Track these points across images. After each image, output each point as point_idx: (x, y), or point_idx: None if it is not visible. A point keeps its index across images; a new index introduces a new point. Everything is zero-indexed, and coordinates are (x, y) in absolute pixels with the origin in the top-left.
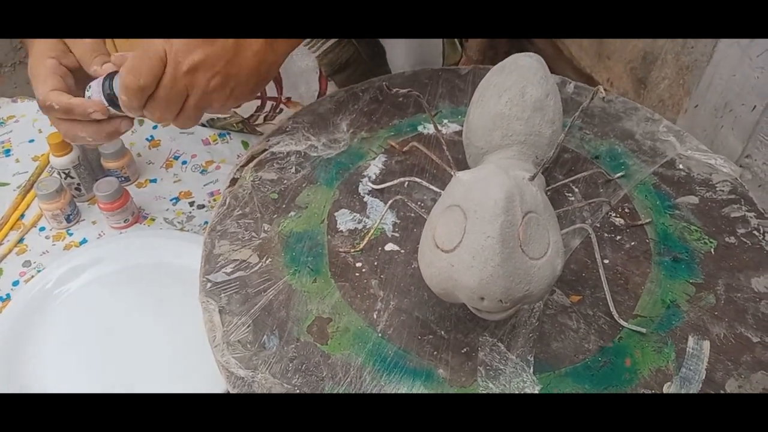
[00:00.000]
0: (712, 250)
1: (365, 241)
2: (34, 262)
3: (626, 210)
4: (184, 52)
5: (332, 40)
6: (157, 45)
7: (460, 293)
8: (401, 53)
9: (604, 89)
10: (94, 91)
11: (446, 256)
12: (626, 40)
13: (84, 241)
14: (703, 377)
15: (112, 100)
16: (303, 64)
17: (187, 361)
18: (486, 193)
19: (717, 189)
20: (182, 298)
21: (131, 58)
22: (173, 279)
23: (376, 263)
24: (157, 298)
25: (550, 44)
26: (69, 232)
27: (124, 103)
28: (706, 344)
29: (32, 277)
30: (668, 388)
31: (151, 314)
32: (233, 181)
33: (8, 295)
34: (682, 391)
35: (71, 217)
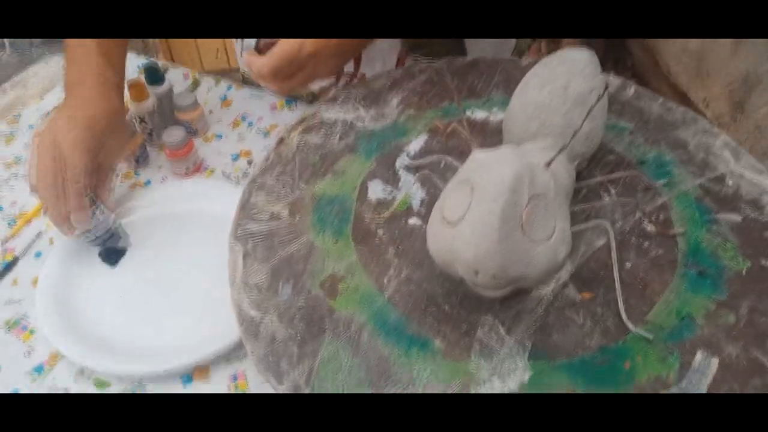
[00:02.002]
0: (744, 270)
1: (389, 211)
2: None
3: (661, 218)
4: (312, 41)
5: None
6: (292, 41)
7: (458, 265)
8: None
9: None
10: (246, 42)
11: (449, 229)
12: (728, 59)
13: (148, 183)
14: (703, 392)
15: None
16: (385, 42)
17: (214, 302)
18: (495, 171)
19: (765, 210)
20: (219, 245)
21: (274, 52)
22: (216, 226)
23: (396, 233)
24: (198, 241)
25: (648, 57)
26: (137, 173)
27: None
28: (715, 361)
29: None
30: None
31: (190, 256)
32: (280, 141)
33: None
34: None
35: (141, 159)
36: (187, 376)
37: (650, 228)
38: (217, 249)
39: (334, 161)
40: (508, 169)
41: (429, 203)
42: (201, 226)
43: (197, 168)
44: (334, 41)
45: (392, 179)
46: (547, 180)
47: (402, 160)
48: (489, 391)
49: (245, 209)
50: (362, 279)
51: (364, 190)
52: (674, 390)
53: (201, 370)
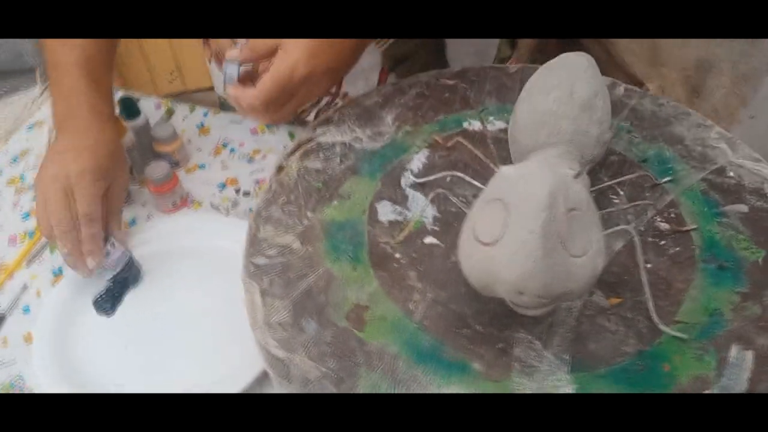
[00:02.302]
0: (760, 260)
1: (405, 233)
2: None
3: (672, 215)
4: (304, 63)
5: None
6: (283, 66)
7: (498, 287)
8: (460, 46)
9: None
10: (228, 74)
11: (486, 250)
12: (681, 46)
13: (133, 222)
14: (745, 388)
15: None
16: (366, 60)
17: (225, 340)
18: (530, 188)
19: None
20: (224, 281)
21: (265, 82)
22: (217, 262)
23: (415, 255)
24: (200, 278)
25: (602, 50)
26: None
27: (246, 109)
28: (750, 354)
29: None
30: None
31: (195, 294)
32: (280, 169)
33: (60, 269)
34: None
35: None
36: None
37: (664, 226)
38: (223, 284)
39: (338, 185)
40: (542, 184)
41: (442, 221)
42: (202, 262)
43: (184, 201)
44: (324, 60)
45: (400, 199)
46: (579, 191)
47: (407, 179)
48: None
49: (254, 244)
50: (388, 306)
51: (373, 212)
52: (716, 388)
53: None
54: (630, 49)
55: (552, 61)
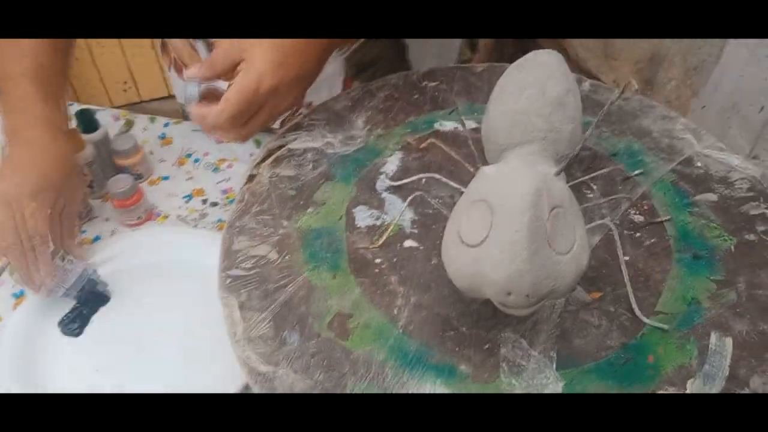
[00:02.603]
0: (732, 247)
1: (384, 238)
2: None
3: (645, 207)
4: (270, 75)
5: (360, 41)
6: (248, 79)
7: (486, 288)
8: (421, 51)
9: (635, 82)
10: (189, 94)
11: (472, 251)
12: (633, 40)
13: (97, 239)
14: (727, 374)
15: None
16: (329, 68)
17: (202, 357)
18: (513, 187)
19: (735, 187)
20: (196, 295)
21: (230, 98)
22: (188, 276)
23: (395, 260)
24: (171, 295)
25: (555, 45)
26: (82, 230)
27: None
28: (729, 341)
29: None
30: (691, 385)
31: (166, 311)
32: (250, 178)
33: (22, 292)
34: (706, 388)
35: (83, 214)
36: None
37: (638, 218)
38: (195, 298)
39: (312, 192)
40: (526, 183)
41: (421, 223)
42: (172, 277)
43: (149, 215)
44: (291, 69)
45: (377, 203)
46: (561, 189)
47: (382, 183)
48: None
49: (229, 257)
50: (371, 313)
51: (350, 218)
52: (700, 376)
53: None
54: (583, 45)
55: (522, 60)
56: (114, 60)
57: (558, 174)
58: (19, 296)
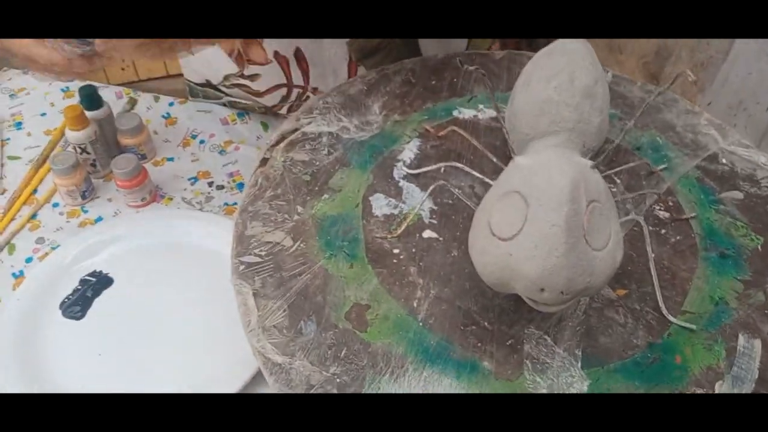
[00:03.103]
0: (759, 247)
1: (403, 227)
2: (48, 239)
3: (670, 203)
4: None
5: None
6: None
7: (517, 284)
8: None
9: (690, 72)
10: None
11: (504, 245)
12: None
13: (99, 219)
14: (756, 377)
15: None
16: (331, 52)
17: (209, 341)
18: (550, 179)
19: (762, 185)
20: (202, 279)
21: None
22: (193, 260)
23: (414, 250)
24: (176, 278)
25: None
26: (84, 209)
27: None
28: (758, 343)
29: (46, 254)
30: (720, 387)
31: (171, 294)
32: (264, 161)
33: (21, 272)
34: (735, 390)
35: (87, 193)
36: None
37: (664, 214)
38: (201, 282)
39: (327, 178)
40: (563, 175)
41: (440, 213)
42: (176, 260)
43: (153, 197)
44: None
45: (394, 192)
46: (598, 182)
47: (400, 171)
48: None
49: (242, 243)
50: (390, 305)
51: (367, 206)
52: (728, 378)
53: None
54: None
55: (548, 48)
56: None
57: (594, 167)
58: (18, 276)
